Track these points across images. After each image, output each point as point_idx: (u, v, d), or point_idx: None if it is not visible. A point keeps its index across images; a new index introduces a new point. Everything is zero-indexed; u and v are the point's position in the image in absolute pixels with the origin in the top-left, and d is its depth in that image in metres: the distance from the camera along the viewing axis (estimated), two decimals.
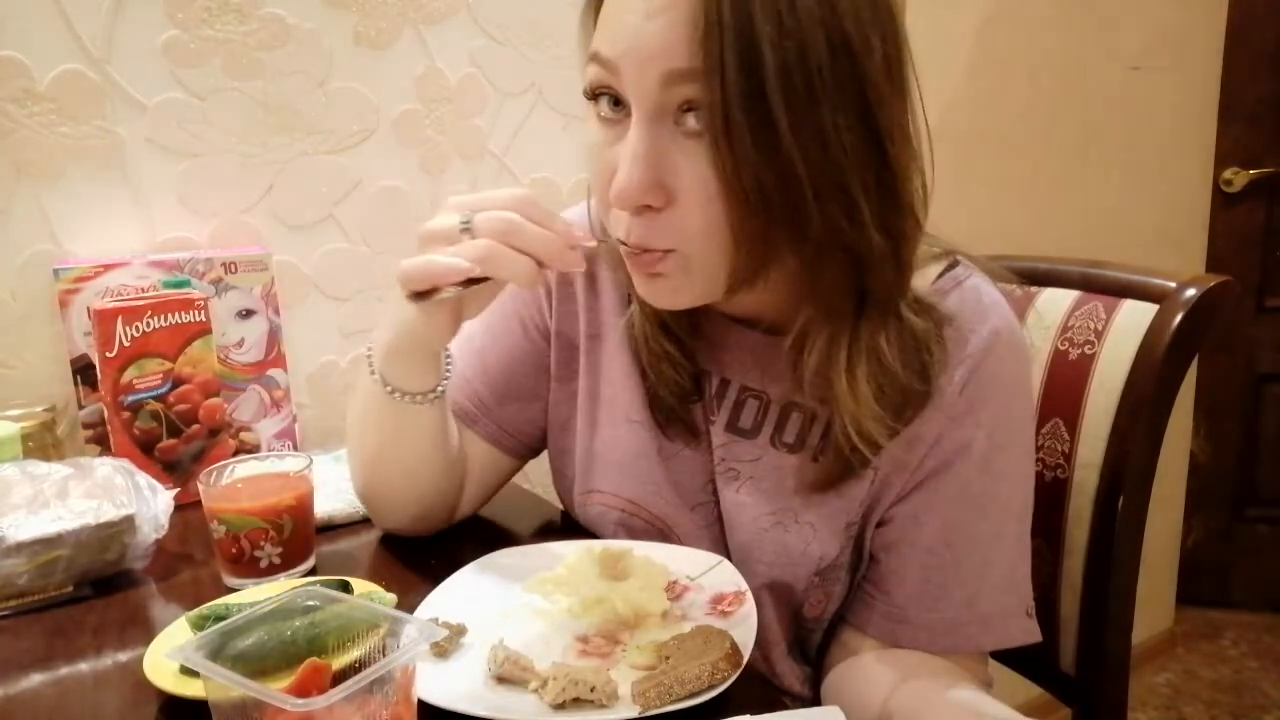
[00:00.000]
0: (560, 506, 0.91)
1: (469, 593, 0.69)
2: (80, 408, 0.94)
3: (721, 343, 0.74)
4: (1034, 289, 0.92)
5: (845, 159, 0.55)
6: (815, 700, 0.75)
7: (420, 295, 0.63)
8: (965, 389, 0.66)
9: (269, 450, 1.03)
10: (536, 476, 1.27)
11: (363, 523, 0.87)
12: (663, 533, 0.76)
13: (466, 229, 0.61)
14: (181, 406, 0.91)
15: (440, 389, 0.72)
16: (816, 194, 0.55)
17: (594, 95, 0.60)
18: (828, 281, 0.60)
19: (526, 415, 0.83)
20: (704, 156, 0.55)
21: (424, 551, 0.77)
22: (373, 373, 0.71)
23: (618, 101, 0.59)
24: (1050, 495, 0.86)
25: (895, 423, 0.64)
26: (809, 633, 0.75)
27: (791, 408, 0.71)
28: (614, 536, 0.78)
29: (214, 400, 0.93)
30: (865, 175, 0.56)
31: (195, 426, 0.92)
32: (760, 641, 0.73)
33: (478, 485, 0.84)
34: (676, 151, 0.57)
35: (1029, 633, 0.71)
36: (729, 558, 0.73)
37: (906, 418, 0.65)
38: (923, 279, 0.67)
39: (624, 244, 0.61)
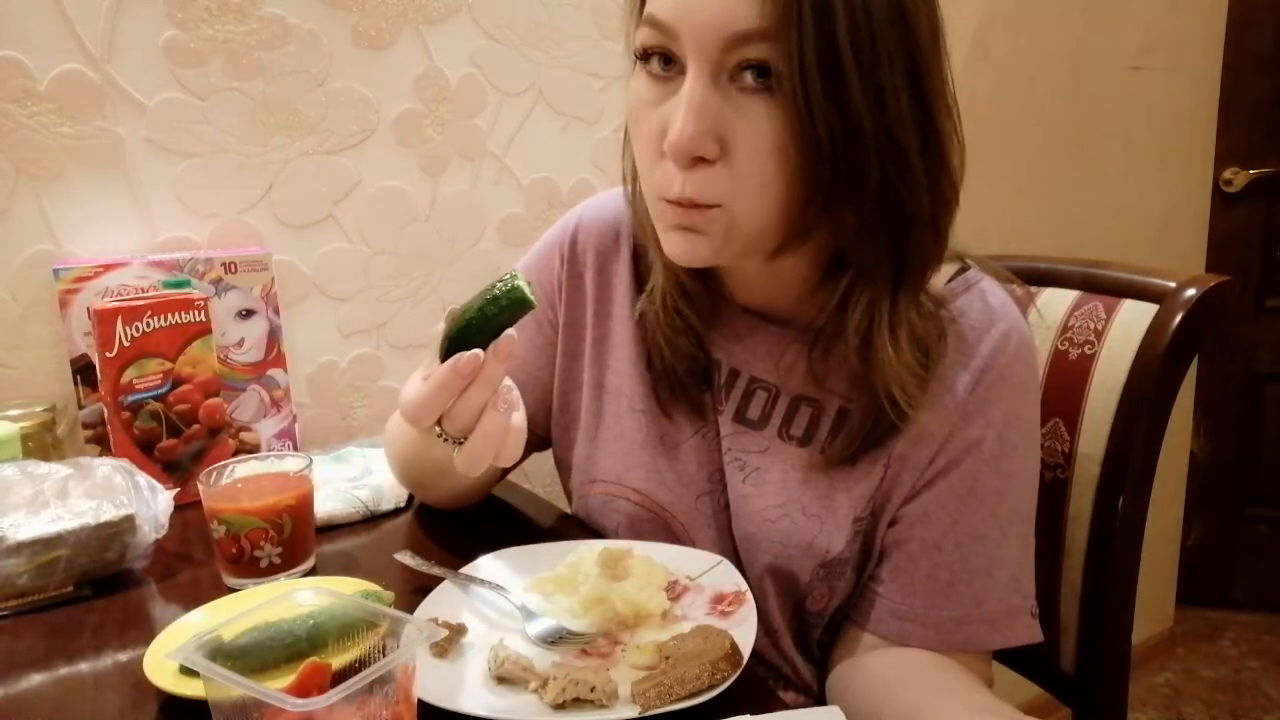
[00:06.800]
0: (560, 506, 0.91)
1: (469, 593, 0.69)
2: (80, 408, 0.94)
3: (734, 333, 0.75)
4: (1034, 289, 0.92)
5: (901, 119, 0.58)
6: (822, 695, 0.75)
7: None
8: (976, 388, 0.68)
9: (269, 450, 1.03)
10: (537, 477, 1.28)
11: (363, 522, 0.87)
12: (666, 522, 0.76)
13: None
14: (181, 406, 0.90)
15: None
16: (878, 149, 0.57)
17: (645, 56, 0.61)
18: (873, 241, 0.62)
19: (543, 408, 0.85)
20: (762, 111, 0.57)
21: (424, 552, 0.76)
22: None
23: (668, 60, 0.60)
24: (1050, 495, 0.85)
25: (927, 375, 0.66)
26: (811, 627, 0.75)
27: (800, 401, 0.72)
28: (616, 526, 0.78)
29: (214, 400, 0.93)
30: (916, 138, 0.59)
31: (195, 426, 0.92)
32: (768, 630, 0.74)
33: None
34: (731, 107, 0.58)
35: (1033, 633, 0.71)
36: (734, 547, 0.74)
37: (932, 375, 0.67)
38: (937, 279, 0.68)
39: (669, 201, 0.60)
